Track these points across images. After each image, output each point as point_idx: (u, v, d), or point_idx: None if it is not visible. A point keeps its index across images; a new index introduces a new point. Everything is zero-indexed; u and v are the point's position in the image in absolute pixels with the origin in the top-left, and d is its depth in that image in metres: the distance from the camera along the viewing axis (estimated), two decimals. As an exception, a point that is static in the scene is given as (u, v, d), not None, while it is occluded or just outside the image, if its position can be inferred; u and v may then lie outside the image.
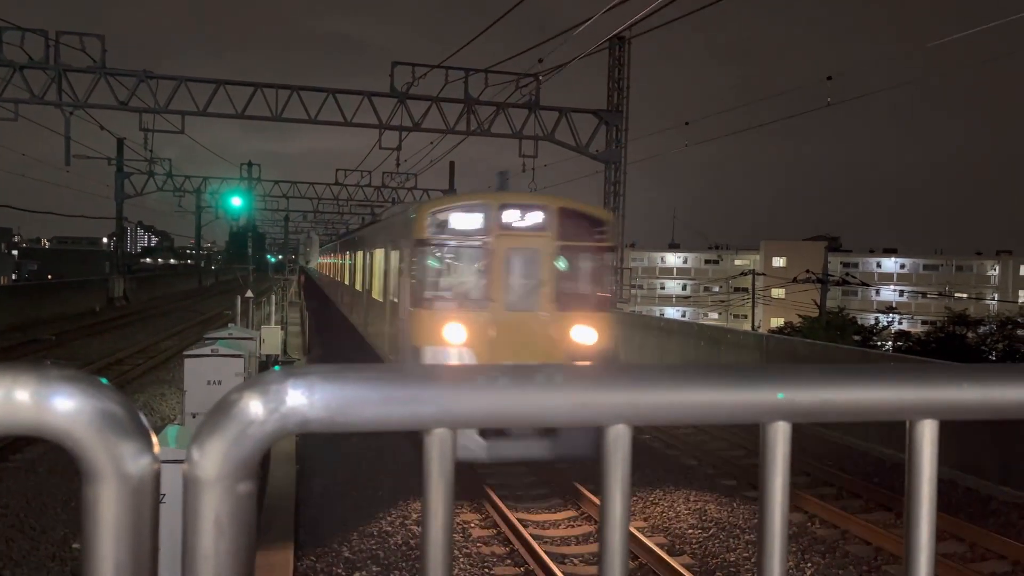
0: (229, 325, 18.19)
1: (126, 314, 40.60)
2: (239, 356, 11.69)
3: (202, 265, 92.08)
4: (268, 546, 8.28)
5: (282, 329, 23.46)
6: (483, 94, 28.73)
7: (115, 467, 0.71)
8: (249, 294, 24.10)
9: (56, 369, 0.72)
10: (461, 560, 8.91)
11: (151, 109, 28.45)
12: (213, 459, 0.73)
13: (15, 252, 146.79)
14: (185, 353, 11.81)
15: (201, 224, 76.85)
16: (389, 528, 9.73)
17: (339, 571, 8.48)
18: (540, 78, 27.84)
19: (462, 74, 28.51)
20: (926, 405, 0.90)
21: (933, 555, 0.92)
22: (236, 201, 38.82)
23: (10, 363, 0.73)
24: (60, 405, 0.71)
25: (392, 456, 12.81)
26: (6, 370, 0.71)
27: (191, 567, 0.73)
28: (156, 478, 0.74)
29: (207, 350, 11.68)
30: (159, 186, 53.16)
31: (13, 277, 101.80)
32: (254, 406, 0.75)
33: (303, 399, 0.76)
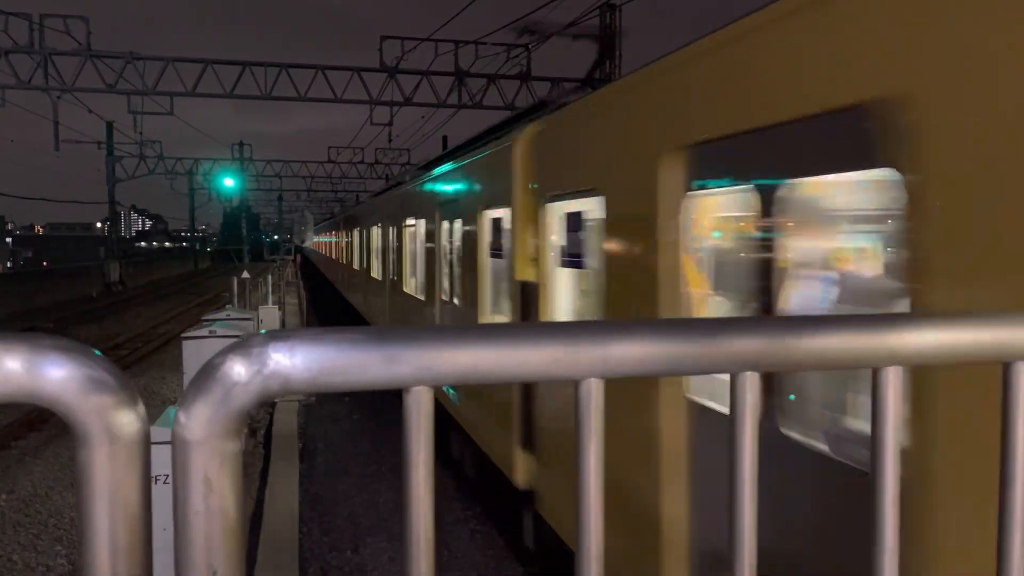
0: (227, 307, 18.26)
1: (123, 299, 40.61)
2: (238, 337, 11.72)
3: (197, 248, 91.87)
4: (273, 523, 8.39)
5: (280, 309, 23.52)
6: (473, 66, 28.53)
7: (106, 430, 0.75)
8: (245, 275, 24.12)
9: (48, 338, 0.75)
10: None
11: (139, 91, 28.24)
12: (199, 420, 0.77)
13: (9, 240, 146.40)
14: (183, 335, 11.86)
15: (195, 206, 76.57)
16: (393, 500, 9.84)
17: (346, 544, 8.60)
18: (531, 48, 27.62)
19: (452, 46, 28.29)
20: (889, 353, 0.93)
21: (897, 501, 0.95)
22: (229, 182, 38.68)
23: (1, 333, 0.75)
24: (52, 372, 0.74)
25: (394, 431, 12.92)
26: None
27: (183, 523, 0.76)
28: (146, 440, 0.78)
29: (205, 332, 11.74)
30: (150, 169, 52.86)
31: (8, 265, 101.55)
32: (237, 369, 0.78)
33: (285, 361, 0.78)
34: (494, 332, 0.87)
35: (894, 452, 0.93)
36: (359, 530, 8.96)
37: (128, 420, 0.76)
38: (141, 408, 0.78)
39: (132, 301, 39.45)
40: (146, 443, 0.78)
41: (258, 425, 13.02)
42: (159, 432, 5.35)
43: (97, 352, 0.78)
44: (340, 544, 8.60)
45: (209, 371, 0.78)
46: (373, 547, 8.49)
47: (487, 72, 28.85)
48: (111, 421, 0.75)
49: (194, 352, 11.44)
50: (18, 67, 26.78)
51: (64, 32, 27.11)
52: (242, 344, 0.80)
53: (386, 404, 14.47)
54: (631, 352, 0.87)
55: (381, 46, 28.12)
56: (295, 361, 0.79)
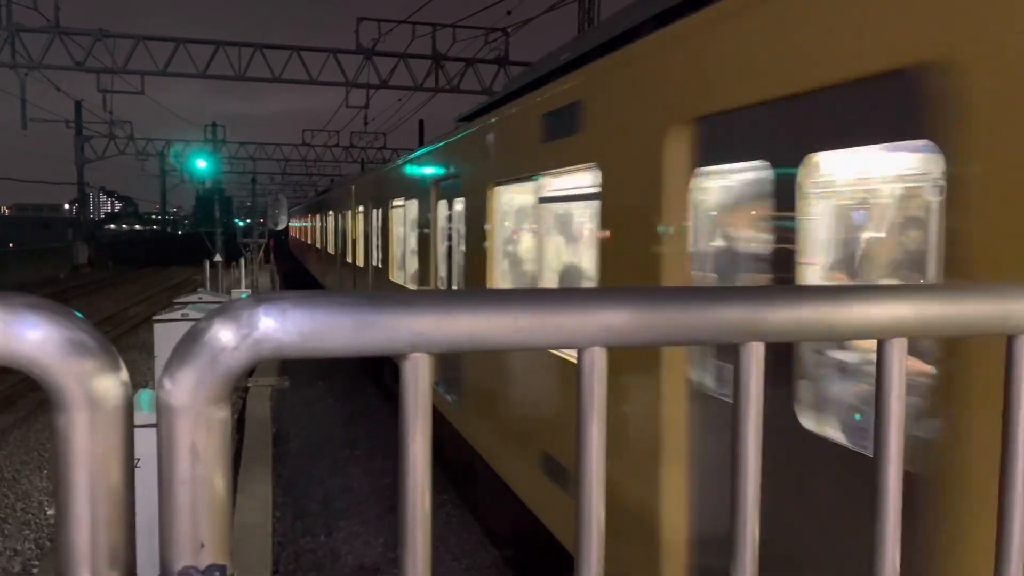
0: (199, 290, 17.98)
1: (92, 281, 39.97)
2: (210, 319, 11.55)
3: (168, 231, 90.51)
4: (246, 508, 8.31)
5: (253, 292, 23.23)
6: (451, 49, 28.30)
7: (86, 395, 0.70)
8: (218, 258, 23.79)
9: (21, 296, 0.71)
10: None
11: (109, 69, 27.66)
12: (185, 387, 0.72)
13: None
14: (155, 318, 11.66)
15: (166, 188, 75.38)
16: (367, 485, 9.80)
17: (319, 529, 8.55)
18: (509, 32, 27.47)
19: (429, 29, 28.03)
20: (895, 323, 0.92)
21: (900, 473, 0.94)
22: (201, 163, 38.08)
23: None
24: (28, 333, 0.69)
25: (367, 416, 12.85)
26: None
27: (168, 493, 0.72)
28: (129, 407, 0.73)
29: (177, 315, 11.55)
30: (120, 149, 51.89)
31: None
32: (225, 333, 0.73)
33: (275, 324, 0.74)
34: (495, 298, 0.83)
35: (898, 424, 0.91)
36: (332, 514, 8.91)
37: (110, 386, 0.71)
38: (124, 373, 0.74)
39: (101, 283, 38.83)
40: (129, 410, 0.73)
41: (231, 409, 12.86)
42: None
43: (78, 313, 0.73)
44: (313, 528, 8.55)
45: (195, 335, 0.74)
46: (347, 531, 8.45)
47: (465, 56, 28.64)
48: (92, 386, 0.70)
49: (166, 335, 11.24)
50: (-17, 42, 26.10)
51: (32, 8, 26.49)
52: (229, 307, 0.76)
53: (360, 389, 14.37)
54: (636, 321, 0.84)
55: (358, 28, 27.81)
56: (286, 325, 0.75)
